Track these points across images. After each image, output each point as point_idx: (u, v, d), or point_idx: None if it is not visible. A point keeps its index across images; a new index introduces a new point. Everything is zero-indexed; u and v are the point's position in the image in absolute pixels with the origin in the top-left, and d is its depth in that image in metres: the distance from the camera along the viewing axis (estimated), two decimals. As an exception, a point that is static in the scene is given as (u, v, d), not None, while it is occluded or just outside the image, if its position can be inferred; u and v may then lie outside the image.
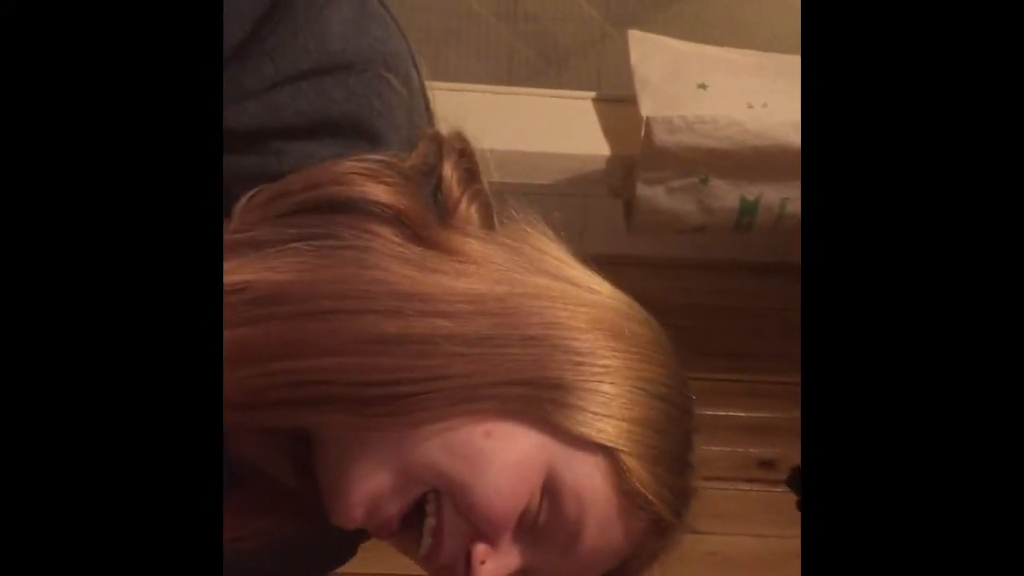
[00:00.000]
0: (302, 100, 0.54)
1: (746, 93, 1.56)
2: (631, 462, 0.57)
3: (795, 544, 1.92)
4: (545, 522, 0.57)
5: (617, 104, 1.62)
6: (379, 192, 0.55)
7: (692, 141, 1.45)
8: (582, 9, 2.26)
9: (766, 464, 1.91)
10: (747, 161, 1.50)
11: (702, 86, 1.58)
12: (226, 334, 0.47)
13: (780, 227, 1.59)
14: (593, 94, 1.68)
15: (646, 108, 1.52)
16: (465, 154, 0.61)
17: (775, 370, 1.93)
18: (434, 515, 0.55)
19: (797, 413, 1.83)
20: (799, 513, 1.45)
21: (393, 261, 0.54)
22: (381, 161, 0.56)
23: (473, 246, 0.57)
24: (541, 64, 2.21)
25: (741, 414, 1.97)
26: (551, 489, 0.56)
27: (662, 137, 1.45)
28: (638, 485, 0.57)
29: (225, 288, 0.50)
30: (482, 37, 2.17)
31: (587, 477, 0.57)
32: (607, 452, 0.57)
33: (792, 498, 1.49)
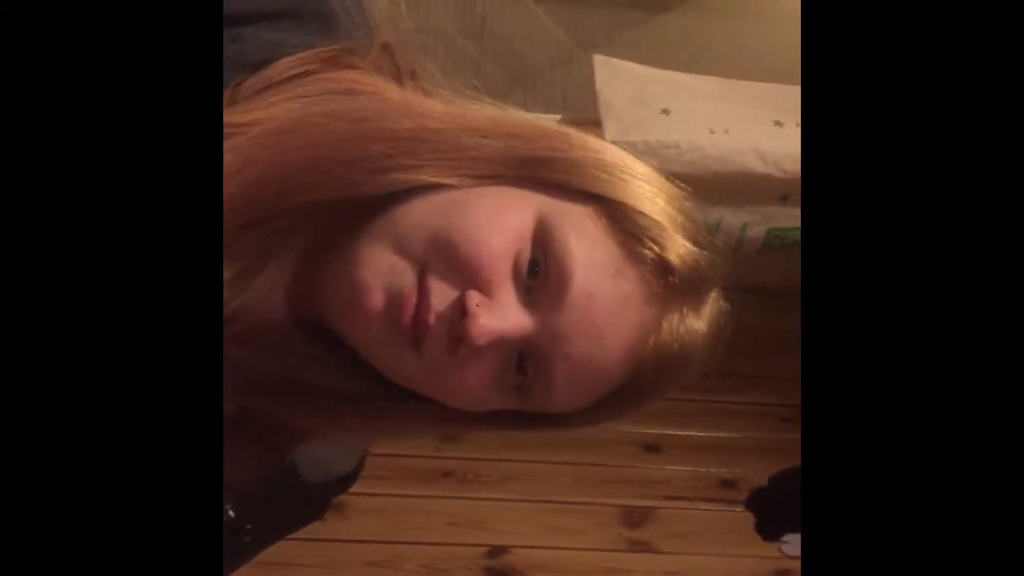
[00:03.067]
0: None
1: (708, 119, 1.59)
2: (622, 206, 0.55)
3: (754, 564, 1.95)
4: (541, 276, 0.54)
5: (582, 127, 1.64)
6: (347, 73, 0.60)
7: (655, 165, 1.46)
8: (549, 30, 2.29)
9: (727, 484, 1.93)
10: (708, 186, 1.52)
11: (665, 111, 1.61)
12: (234, 155, 0.54)
13: (740, 251, 1.61)
14: (558, 117, 1.70)
15: (610, 132, 1.55)
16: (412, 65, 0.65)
17: (735, 390, 1.96)
18: (420, 277, 0.54)
19: (757, 432, 1.85)
20: (758, 533, 1.47)
21: (375, 97, 0.59)
22: (345, 48, 0.60)
23: (428, 98, 0.63)
24: (508, 83, 2.22)
25: (701, 434, 1.99)
26: (541, 237, 0.54)
27: (626, 161, 1.47)
28: (629, 225, 0.55)
29: (230, 126, 0.55)
30: (448, 55, 2.18)
31: (578, 223, 0.55)
32: (599, 201, 0.55)
33: (752, 518, 1.51)
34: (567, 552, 1.79)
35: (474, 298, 0.53)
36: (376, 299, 0.54)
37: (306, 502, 0.72)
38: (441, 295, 0.53)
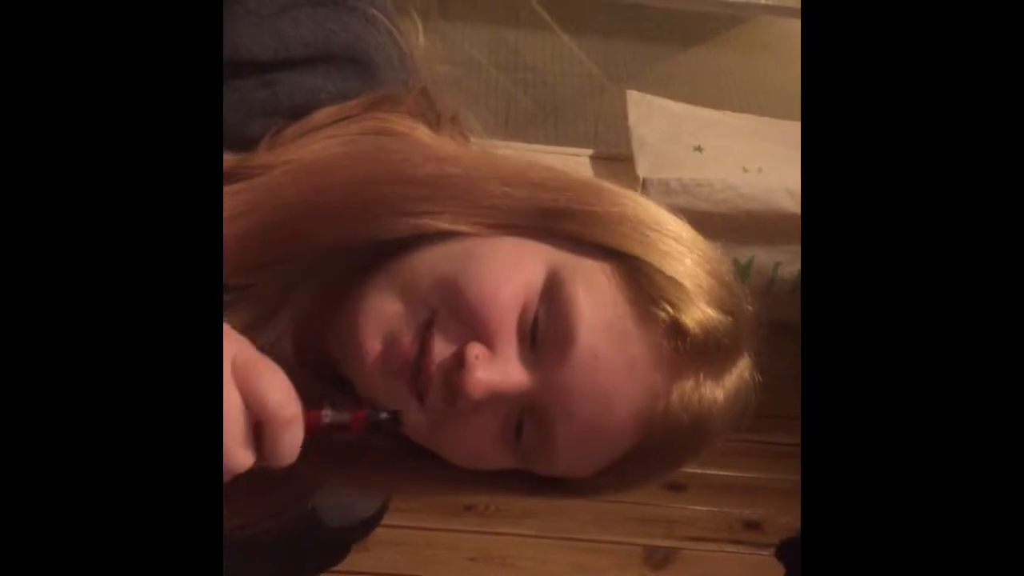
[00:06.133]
0: (304, 30, 0.57)
1: (741, 157, 1.58)
2: (641, 263, 0.53)
3: (780, 610, 1.89)
4: (544, 331, 0.52)
5: (613, 162, 1.64)
6: (389, 120, 0.59)
7: (687, 203, 1.47)
8: (581, 63, 2.30)
9: (752, 525, 1.90)
10: (740, 224, 1.51)
11: (698, 148, 1.60)
12: (249, 195, 0.54)
13: (773, 290, 1.60)
14: (591, 151, 1.70)
15: (643, 169, 1.54)
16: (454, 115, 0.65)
17: (763, 429, 1.93)
18: (428, 326, 0.53)
19: (784, 474, 1.82)
20: (785, 580, 1.44)
21: (403, 139, 0.59)
22: (385, 96, 0.60)
23: (464, 144, 0.63)
24: (539, 115, 2.23)
25: (727, 473, 1.96)
26: (550, 291, 0.53)
27: (658, 198, 1.45)
28: (645, 283, 0.53)
29: (260, 167, 0.56)
30: (482, 86, 2.20)
31: (590, 279, 0.53)
32: (617, 257, 0.54)
33: (778, 565, 1.48)
34: (589, 592, 1.76)
35: (474, 350, 0.52)
36: (372, 346, 0.53)
37: (326, 547, 0.71)
38: (443, 346, 0.52)
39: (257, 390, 0.44)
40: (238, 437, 0.44)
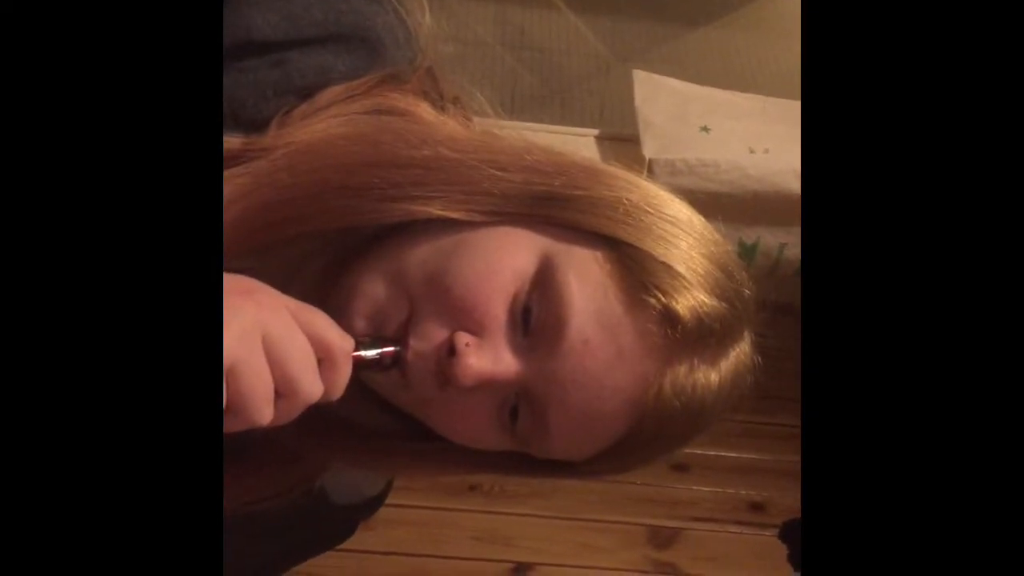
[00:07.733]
0: (315, 10, 0.58)
1: (748, 138, 1.57)
2: (634, 250, 0.53)
3: (784, 591, 1.89)
4: (536, 318, 0.53)
5: (619, 142, 1.63)
6: (392, 97, 0.60)
7: (693, 184, 1.46)
8: (587, 42, 2.29)
9: (756, 507, 1.90)
10: (747, 205, 1.50)
11: (705, 129, 1.59)
12: (248, 178, 0.55)
13: (777, 271, 1.59)
14: (596, 131, 1.69)
15: (649, 149, 1.53)
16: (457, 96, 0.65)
17: (767, 410, 1.93)
18: (407, 323, 0.54)
19: (788, 455, 1.82)
20: (791, 564, 1.44)
21: (402, 118, 0.60)
22: (390, 74, 0.61)
23: (466, 125, 0.63)
24: (545, 94, 2.22)
25: (731, 454, 1.96)
26: (542, 278, 0.53)
27: (664, 179, 1.46)
28: (637, 271, 0.53)
29: (262, 149, 0.57)
30: (487, 64, 2.20)
31: (582, 267, 0.53)
32: (610, 243, 0.54)
33: (782, 546, 1.48)
34: (593, 571, 1.77)
35: (463, 338, 0.52)
36: (359, 327, 0.54)
37: (333, 524, 0.72)
38: (428, 334, 0.53)
39: (318, 328, 0.48)
40: (310, 372, 0.47)
